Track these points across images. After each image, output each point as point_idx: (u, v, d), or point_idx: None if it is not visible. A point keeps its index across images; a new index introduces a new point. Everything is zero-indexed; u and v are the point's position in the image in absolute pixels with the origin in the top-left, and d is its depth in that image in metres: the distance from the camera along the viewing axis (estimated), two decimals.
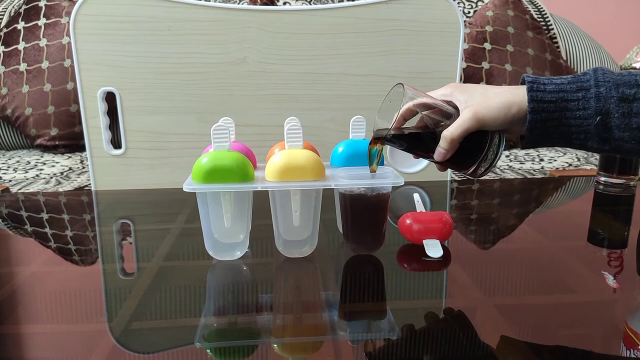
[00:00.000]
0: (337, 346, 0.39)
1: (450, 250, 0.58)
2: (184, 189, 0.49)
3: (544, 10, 1.71)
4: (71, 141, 1.45)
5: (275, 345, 0.39)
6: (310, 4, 1.61)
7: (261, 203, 0.56)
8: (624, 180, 0.86)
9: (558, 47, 1.68)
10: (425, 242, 0.55)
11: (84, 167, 1.30)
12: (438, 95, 0.53)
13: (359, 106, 0.99)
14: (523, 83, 0.49)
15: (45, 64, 1.43)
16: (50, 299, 0.48)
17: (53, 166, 1.30)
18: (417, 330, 0.42)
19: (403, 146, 0.52)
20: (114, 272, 0.54)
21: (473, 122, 0.48)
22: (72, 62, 0.93)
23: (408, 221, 0.57)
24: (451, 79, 0.99)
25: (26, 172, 1.24)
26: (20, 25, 1.47)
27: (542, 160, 1.37)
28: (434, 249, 0.54)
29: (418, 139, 0.53)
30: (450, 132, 0.49)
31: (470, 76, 1.54)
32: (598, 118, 0.45)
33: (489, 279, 0.52)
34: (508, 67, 1.53)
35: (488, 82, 1.53)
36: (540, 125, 0.48)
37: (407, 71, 0.99)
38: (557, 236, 0.51)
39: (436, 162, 0.53)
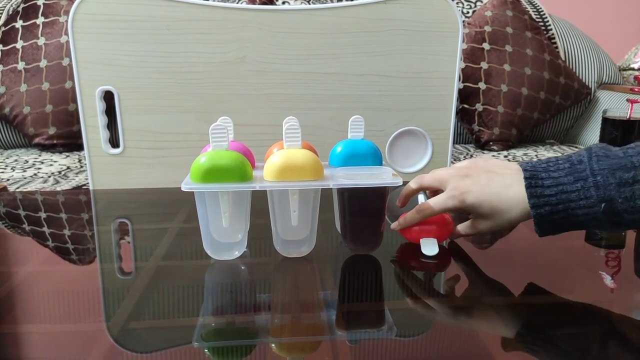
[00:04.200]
0: (335, 346, 0.39)
1: (449, 250, 0.58)
2: (182, 189, 0.49)
3: (542, 11, 1.72)
4: (69, 140, 1.45)
5: (273, 345, 0.39)
6: (309, 4, 1.61)
7: (259, 203, 0.56)
8: None
9: (557, 47, 1.68)
10: (422, 240, 0.55)
11: (82, 166, 1.30)
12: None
13: (357, 106, 0.99)
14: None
15: (43, 63, 1.43)
16: (48, 298, 0.48)
17: (51, 165, 1.30)
18: (415, 330, 0.42)
19: None
20: (111, 271, 0.54)
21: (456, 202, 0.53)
22: (71, 61, 0.93)
23: None
24: (450, 79, 0.99)
25: (24, 171, 1.24)
26: (19, 23, 1.46)
27: None
28: (429, 247, 0.54)
29: None
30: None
31: (468, 76, 1.54)
32: (603, 205, 0.45)
33: (487, 279, 0.52)
34: (507, 67, 1.53)
35: (487, 82, 1.53)
36: (547, 219, 0.48)
37: (406, 71, 0.99)
38: (554, 236, 0.51)
39: None
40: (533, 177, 0.48)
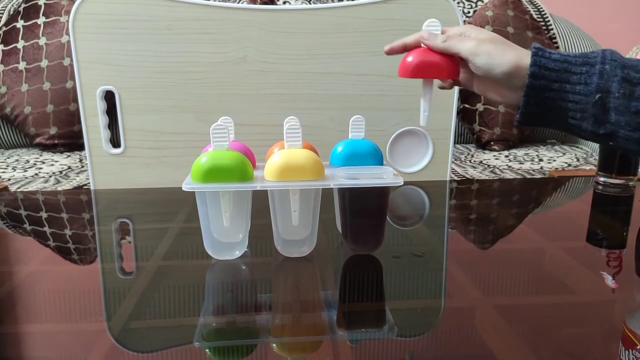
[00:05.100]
0: (336, 346, 0.39)
1: (450, 250, 0.58)
2: (183, 188, 0.49)
3: (543, 11, 1.71)
4: (70, 140, 1.45)
5: (274, 345, 0.39)
6: (310, 3, 1.61)
7: (260, 202, 0.56)
8: (623, 181, 0.86)
9: (558, 47, 1.68)
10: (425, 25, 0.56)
11: (83, 166, 1.30)
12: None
13: (358, 106, 0.99)
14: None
15: (44, 63, 1.43)
16: (49, 298, 0.48)
17: (52, 165, 1.30)
18: (415, 330, 0.42)
19: None
20: (112, 271, 0.54)
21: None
22: (72, 60, 0.93)
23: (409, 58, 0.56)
24: None
25: (25, 170, 1.24)
26: (20, 23, 1.47)
27: (541, 160, 1.37)
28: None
29: None
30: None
31: None
32: (597, 96, 0.44)
33: (488, 279, 0.52)
34: None
35: None
36: (537, 93, 0.46)
37: None
38: (556, 236, 0.51)
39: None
40: (542, 49, 0.48)
